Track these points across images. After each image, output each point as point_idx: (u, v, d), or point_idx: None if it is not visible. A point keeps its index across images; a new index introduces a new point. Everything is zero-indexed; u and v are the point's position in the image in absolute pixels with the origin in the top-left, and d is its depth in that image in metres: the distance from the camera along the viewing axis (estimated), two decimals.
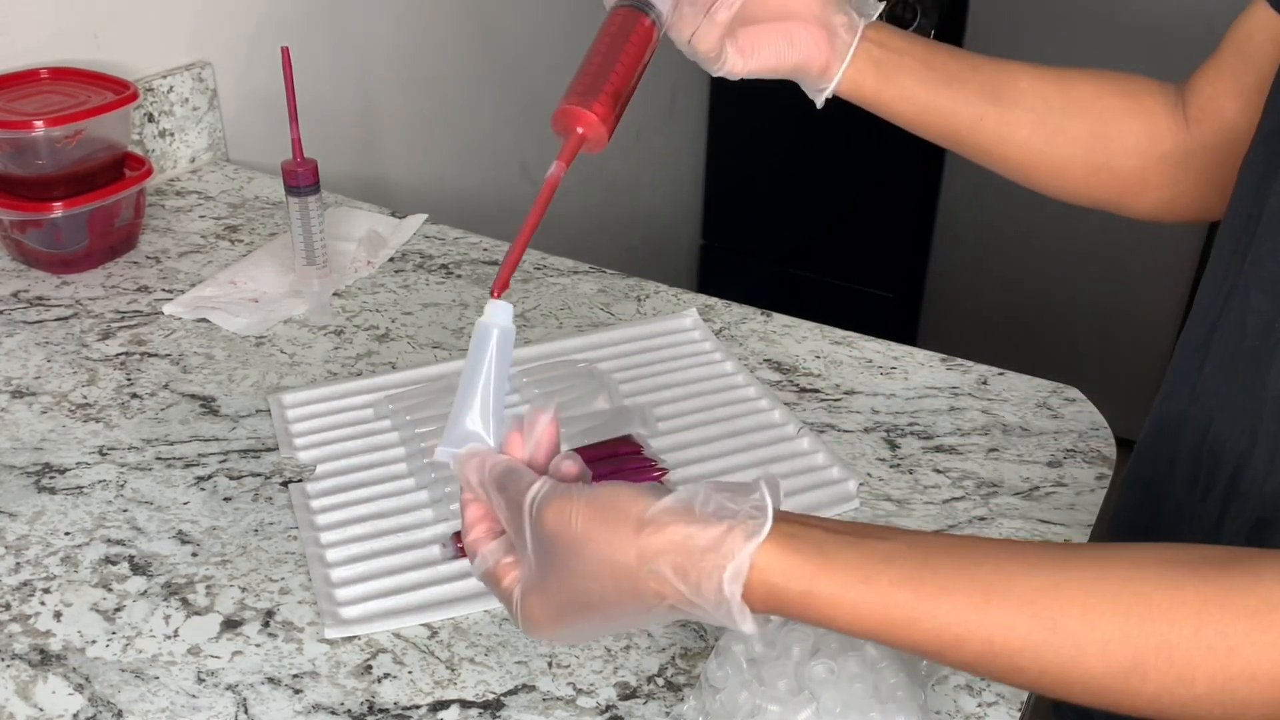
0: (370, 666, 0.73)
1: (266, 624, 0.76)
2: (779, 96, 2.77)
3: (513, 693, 0.71)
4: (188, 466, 0.90)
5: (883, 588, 0.49)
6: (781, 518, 0.51)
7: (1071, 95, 0.80)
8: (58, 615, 0.77)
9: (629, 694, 0.71)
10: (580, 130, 0.65)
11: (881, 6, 0.79)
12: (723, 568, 0.49)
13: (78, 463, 0.90)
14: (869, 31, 0.78)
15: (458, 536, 0.81)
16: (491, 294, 0.60)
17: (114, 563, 0.81)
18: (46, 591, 0.78)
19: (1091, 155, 0.80)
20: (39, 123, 1.10)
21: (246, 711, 0.70)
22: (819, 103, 0.81)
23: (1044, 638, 0.48)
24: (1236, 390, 0.68)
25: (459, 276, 1.19)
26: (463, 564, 0.80)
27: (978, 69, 0.80)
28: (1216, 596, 0.47)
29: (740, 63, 0.76)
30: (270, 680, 0.72)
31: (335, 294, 1.15)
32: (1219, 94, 0.77)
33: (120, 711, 0.69)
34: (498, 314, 0.61)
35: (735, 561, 0.49)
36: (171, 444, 0.93)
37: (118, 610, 0.77)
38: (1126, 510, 0.82)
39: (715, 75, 0.77)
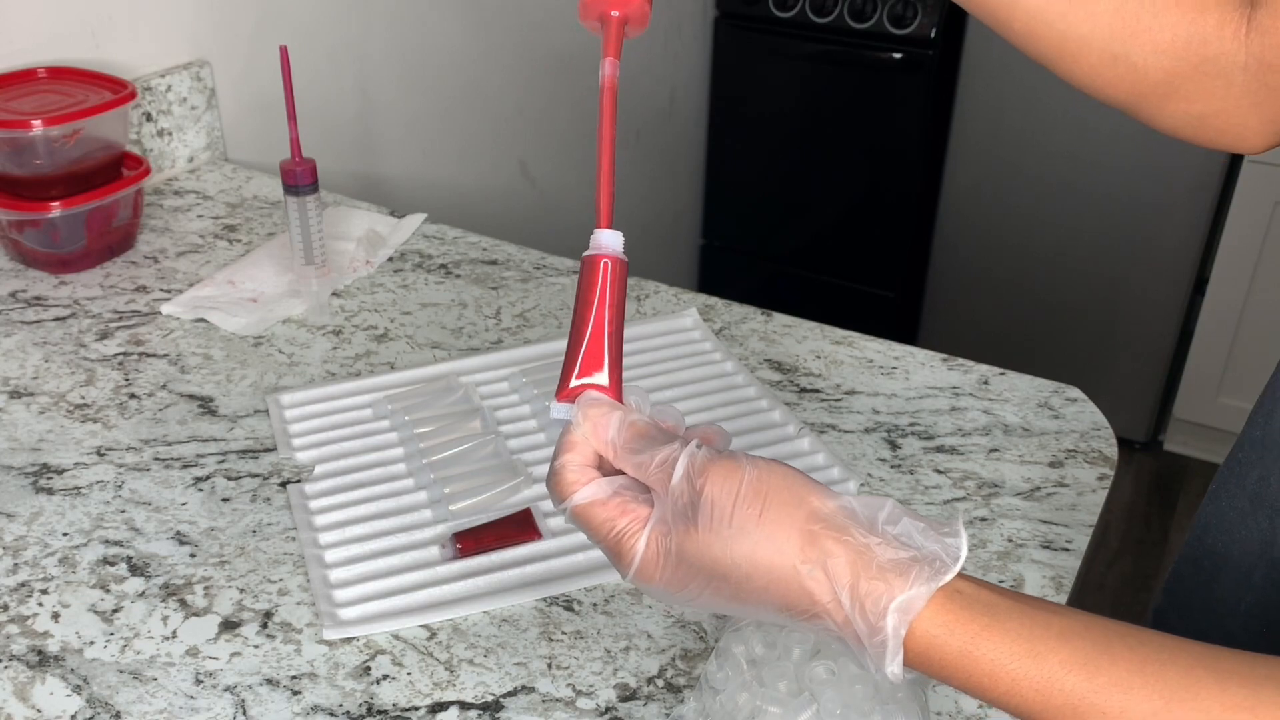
0: (369, 668, 0.73)
1: (265, 625, 0.76)
2: (779, 96, 2.78)
3: (512, 694, 0.71)
4: (186, 467, 0.90)
5: (1051, 667, 0.44)
6: (958, 591, 0.46)
7: None
8: (56, 616, 0.76)
9: (629, 695, 0.71)
10: (616, 13, 0.58)
11: None
12: (893, 596, 0.45)
13: (75, 463, 0.90)
14: None
15: (457, 537, 0.81)
16: (600, 226, 0.55)
17: (112, 563, 0.81)
18: (44, 592, 0.78)
19: (1111, 42, 0.67)
20: (37, 122, 1.10)
21: (245, 713, 0.69)
22: None
23: None
24: None
25: (458, 276, 1.19)
26: (462, 565, 0.80)
27: None
28: None
29: None
30: (269, 681, 0.72)
31: (334, 294, 1.15)
32: None
33: (118, 713, 0.69)
34: (606, 241, 0.54)
35: (909, 594, 0.45)
36: (170, 444, 0.93)
37: (116, 611, 0.77)
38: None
39: None
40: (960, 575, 0.47)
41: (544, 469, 0.89)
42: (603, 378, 0.54)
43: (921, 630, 0.46)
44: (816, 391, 1.00)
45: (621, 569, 0.51)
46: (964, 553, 0.46)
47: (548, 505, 0.85)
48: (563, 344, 1.07)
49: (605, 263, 0.55)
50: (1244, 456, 0.71)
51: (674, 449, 0.50)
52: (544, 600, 0.78)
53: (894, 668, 0.46)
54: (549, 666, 0.73)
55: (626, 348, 1.06)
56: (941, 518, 0.48)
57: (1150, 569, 2.27)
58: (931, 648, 0.46)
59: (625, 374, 1.04)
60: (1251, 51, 0.65)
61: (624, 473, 0.52)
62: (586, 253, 0.54)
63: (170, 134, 1.36)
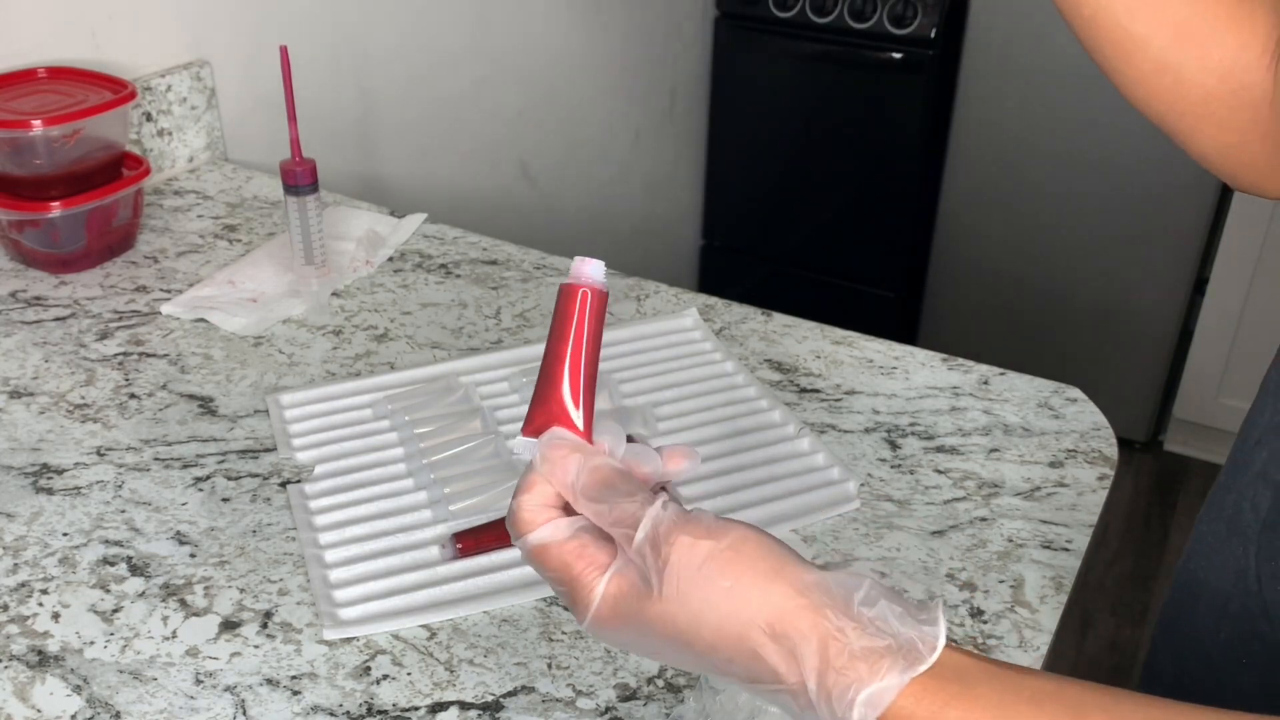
0: (369, 668, 0.73)
1: (265, 625, 0.76)
2: (779, 96, 2.77)
3: (512, 694, 0.71)
4: (186, 467, 0.90)
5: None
6: (947, 671, 0.44)
7: None
8: (56, 616, 0.76)
9: (628, 695, 0.71)
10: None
11: None
12: (862, 688, 0.43)
13: (75, 463, 0.90)
14: None
15: (457, 537, 0.81)
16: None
17: (112, 563, 0.81)
18: (44, 592, 0.78)
19: (1168, 50, 0.66)
20: (37, 122, 1.10)
21: (245, 713, 0.69)
22: None
23: None
24: None
25: (458, 276, 1.19)
26: (462, 565, 0.80)
27: None
28: None
29: None
30: (269, 681, 0.72)
31: (334, 294, 1.15)
32: None
33: (118, 713, 0.69)
34: (586, 271, 0.51)
35: (880, 685, 0.43)
36: (170, 444, 0.93)
37: (116, 611, 0.77)
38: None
39: None
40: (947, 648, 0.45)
41: None
42: (575, 415, 0.51)
43: (891, 713, 0.44)
44: (816, 391, 1.00)
45: (577, 615, 0.49)
46: (942, 643, 0.44)
47: None
48: None
49: (584, 293, 0.51)
50: (1224, 481, 0.70)
51: (637, 505, 0.48)
52: (544, 600, 0.78)
53: None
54: (549, 666, 0.73)
55: (626, 347, 1.07)
56: (921, 600, 0.47)
57: (1150, 569, 2.27)
58: (899, 717, 0.44)
59: (626, 374, 1.04)
60: (1277, 89, 0.65)
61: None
62: (565, 280, 0.52)
63: (170, 134, 1.36)
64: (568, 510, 0.50)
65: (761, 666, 0.45)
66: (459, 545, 0.81)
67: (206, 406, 0.97)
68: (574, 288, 0.51)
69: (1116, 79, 0.70)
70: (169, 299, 1.13)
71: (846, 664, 0.44)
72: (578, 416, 0.51)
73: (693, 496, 0.86)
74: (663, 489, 0.52)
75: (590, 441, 0.52)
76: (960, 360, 1.05)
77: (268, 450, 0.92)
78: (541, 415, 0.52)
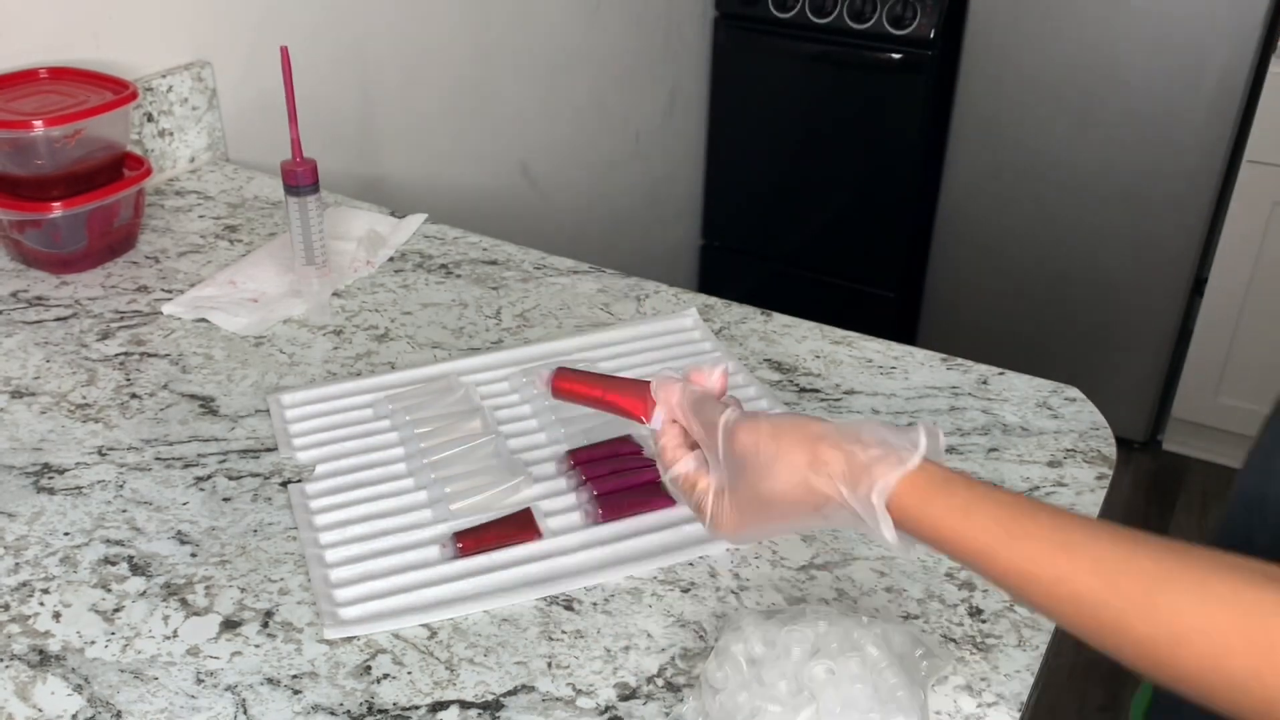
0: (369, 667, 0.73)
1: (266, 624, 0.76)
2: (779, 96, 2.77)
3: (512, 693, 0.71)
4: (187, 467, 0.90)
5: (978, 521, 0.58)
6: (930, 463, 0.60)
7: None
8: (57, 616, 0.76)
9: (629, 695, 0.71)
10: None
11: None
12: (874, 481, 0.60)
13: (77, 463, 0.90)
14: None
15: (458, 536, 0.81)
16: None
17: (113, 563, 0.81)
18: (45, 592, 0.78)
19: None
20: (38, 122, 1.10)
21: (245, 712, 0.70)
22: None
23: (1103, 595, 0.53)
24: None
25: (458, 276, 1.19)
26: (462, 564, 0.80)
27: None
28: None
29: None
30: (269, 681, 0.72)
31: (334, 294, 1.15)
32: None
33: (119, 712, 0.69)
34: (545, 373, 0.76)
35: (884, 480, 0.60)
36: (171, 444, 0.93)
37: (117, 611, 0.77)
38: None
39: None
40: (934, 464, 0.61)
41: (544, 468, 0.89)
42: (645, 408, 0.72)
43: (897, 503, 0.60)
44: (816, 391, 1.01)
45: (702, 521, 0.68)
46: (923, 442, 0.61)
47: (547, 505, 0.86)
48: (563, 344, 1.08)
49: (550, 377, 0.75)
50: (1233, 514, 0.72)
51: (715, 412, 0.67)
52: (544, 599, 0.78)
53: (889, 533, 0.60)
54: (549, 666, 0.73)
55: (626, 347, 1.07)
56: (905, 427, 0.63)
57: None
58: (903, 513, 0.60)
59: (626, 374, 1.04)
60: None
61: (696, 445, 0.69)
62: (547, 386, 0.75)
63: (171, 134, 1.36)
64: (693, 447, 0.70)
65: (816, 494, 0.62)
66: (459, 545, 0.81)
67: (207, 406, 0.98)
68: (545, 375, 0.74)
69: None
70: (170, 299, 1.13)
71: (862, 470, 0.61)
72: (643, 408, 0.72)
73: None
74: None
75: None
76: (959, 360, 1.05)
77: (268, 450, 0.92)
78: (637, 406, 0.72)
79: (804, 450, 0.63)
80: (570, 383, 0.75)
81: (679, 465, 0.69)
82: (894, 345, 1.07)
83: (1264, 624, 0.48)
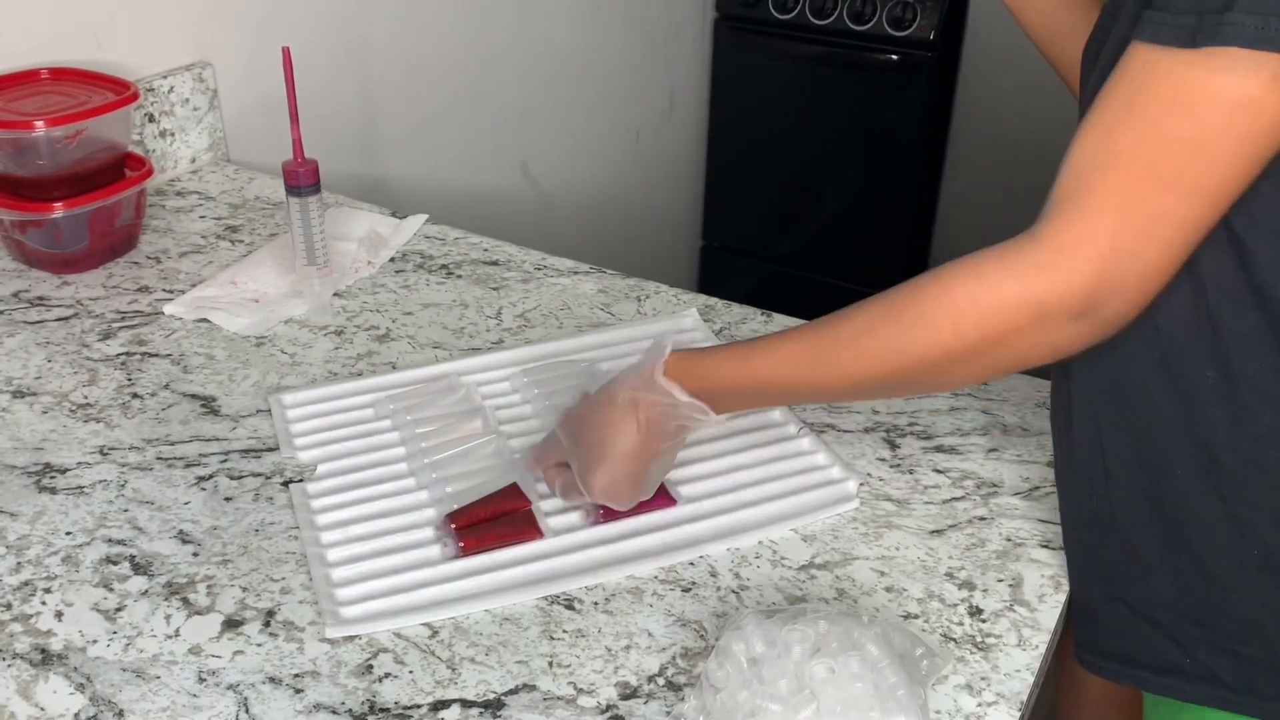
0: (371, 666, 0.73)
1: (267, 624, 0.76)
2: (779, 97, 2.77)
3: (513, 692, 0.71)
4: (189, 466, 0.90)
5: (724, 357, 0.78)
6: (682, 351, 0.79)
7: None
8: (59, 615, 0.77)
9: (629, 693, 0.71)
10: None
11: None
12: (655, 373, 0.78)
13: (79, 463, 0.91)
14: None
15: (459, 535, 0.82)
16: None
17: (115, 562, 0.81)
18: (48, 591, 0.78)
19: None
20: (40, 123, 1.10)
21: (247, 711, 0.70)
22: None
23: (809, 373, 0.74)
24: None
25: (459, 277, 1.19)
26: (464, 564, 0.80)
27: None
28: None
29: None
30: (271, 680, 0.72)
31: (336, 294, 1.15)
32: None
33: (121, 711, 0.70)
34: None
35: (655, 361, 0.79)
36: (172, 444, 0.93)
37: (119, 610, 0.77)
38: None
39: None
40: (687, 350, 0.79)
41: None
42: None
43: (674, 374, 0.78)
44: None
45: (587, 493, 0.82)
46: (667, 345, 0.79)
47: (548, 505, 0.86)
48: (563, 344, 1.08)
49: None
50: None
51: (549, 439, 0.87)
52: (545, 599, 0.78)
53: (681, 395, 0.77)
54: (550, 665, 0.73)
55: (626, 348, 1.08)
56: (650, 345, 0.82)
57: None
58: (682, 377, 0.78)
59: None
60: None
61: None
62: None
63: (172, 135, 1.36)
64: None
65: (630, 416, 0.79)
66: (461, 545, 0.81)
67: (209, 406, 0.98)
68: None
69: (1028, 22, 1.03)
70: (171, 299, 1.13)
71: (647, 373, 0.79)
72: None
73: (694, 495, 0.87)
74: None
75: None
76: None
77: (270, 450, 0.92)
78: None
79: (602, 396, 0.81)
80: (474, 540, 0.82)
81: (557, 485, 0.86)
82: None
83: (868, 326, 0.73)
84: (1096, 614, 0.79)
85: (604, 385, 0.82)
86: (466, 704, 0.70)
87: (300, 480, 0.89)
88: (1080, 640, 0.81)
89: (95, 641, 0.74)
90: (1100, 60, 0.71)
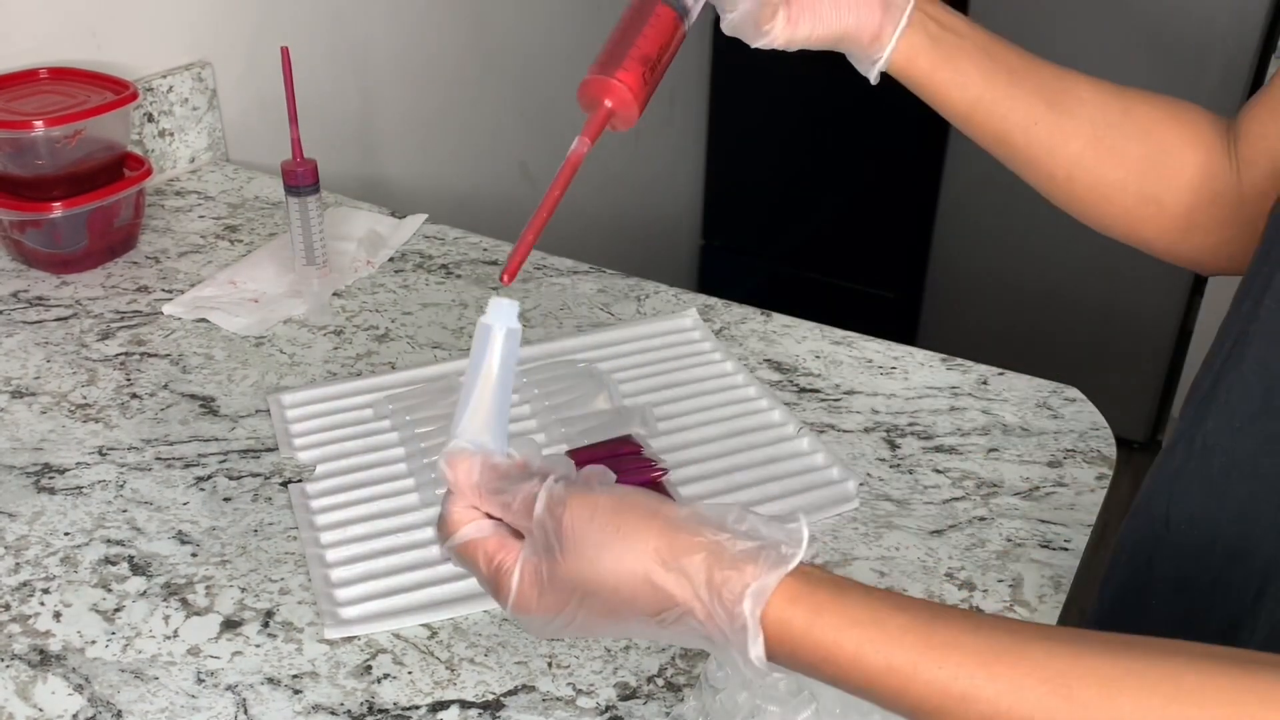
0: (370, 667, 0.73)
1: (266, 624, 0.76)
2: (779, 96, 2.77)
3: (512, 693, 0.71)
4: (187, 467, 0.90)
5: (890, 632, 0.47)
6: (809, 565, 0.50)
7: (1132, 114, 0.74)
8: (57, 615, 0.76)
9: (629, 694, 0.71)
10: (608, 103, 0.61)
11: None
12: (747, 582, 0.48)
13: (77, 463, 0.90)
14: (925, 5, 0.74)
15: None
16: (501, 279, 0.56)
17: (114, 563, 0.81)
18: (46, 592, 0.78)
19: (1144, 184, 0.74)
20: (38, 123, 1.10)
21: (246, 712, 0.70)
22: (873, 78, 0.77)
23: (1056, 706, 0.44)
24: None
25: (459, 276, 1.19)
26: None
27: (1038, 69, 0.76)
28: (1255, 688, 0.42)
29: (788, 31, 0.71)
30: (270, 680, 0.72)
31: (335, 294, 1.15)
32: (1270, 134, 0.70)
33: (120, 712, 0.69)
34: (501, 312, 0.56)
35: (761, 581, 0.48)
36: (171, 444, 0.93)
37: (117, 610, 0.77)
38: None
39: (756, 47, 0.72)
40: (814, 565, 0.50)
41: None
42: (489, 442, 0.56)
43: (774, 614, 0.48)
44: (816, 391, 1.01)
45: (501, 601, 0.54)
46: (805, 536, 0.50)
47: None
48: (563, 344, 1.08)
49: (495, 333, 0.56)
50: (1135, 526, 0.75)
51: (534, 484, 0.53)
52: None
53: (756, 651, 0.48)
54: (549, 665, 0.73)
55: (626, 347, 1.07)
56: (782, 516, 0.52)
57: None
58: (784, 628, 0.48)
59: (626, 374, 1.04)
60: (1245, 181, 0.73)
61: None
62: (481, 319, 0.56)
63: (172, 134, 1.36)
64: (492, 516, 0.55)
65: (661, 595, 0.50)
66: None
67: (208, 406, 0.98)
68: (487, 326, 0.56)
69: (1102, 222, 0.77)
70: (170, 299, 1.13)
71: (729, 567, 0.49)
72: (491, 442, 0.56)
73: (693, 496, 0.87)
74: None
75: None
76: (959, 360, 1.05)
77: (269, 450, 0.92)
78: (456, 434, 0.57)
79: (654, 535, 0.50)
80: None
81: (467, 529, 0.54)
82: (894, 345, 1.07)
83: (1248, 713, 0.42)
84: None
85: (670, 513, 0.51)
86: (465, 705, 0.70)
87: (299, 480, 0.89)
88: None
89: (94, 642, 0.74)
90: None
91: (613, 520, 0.51)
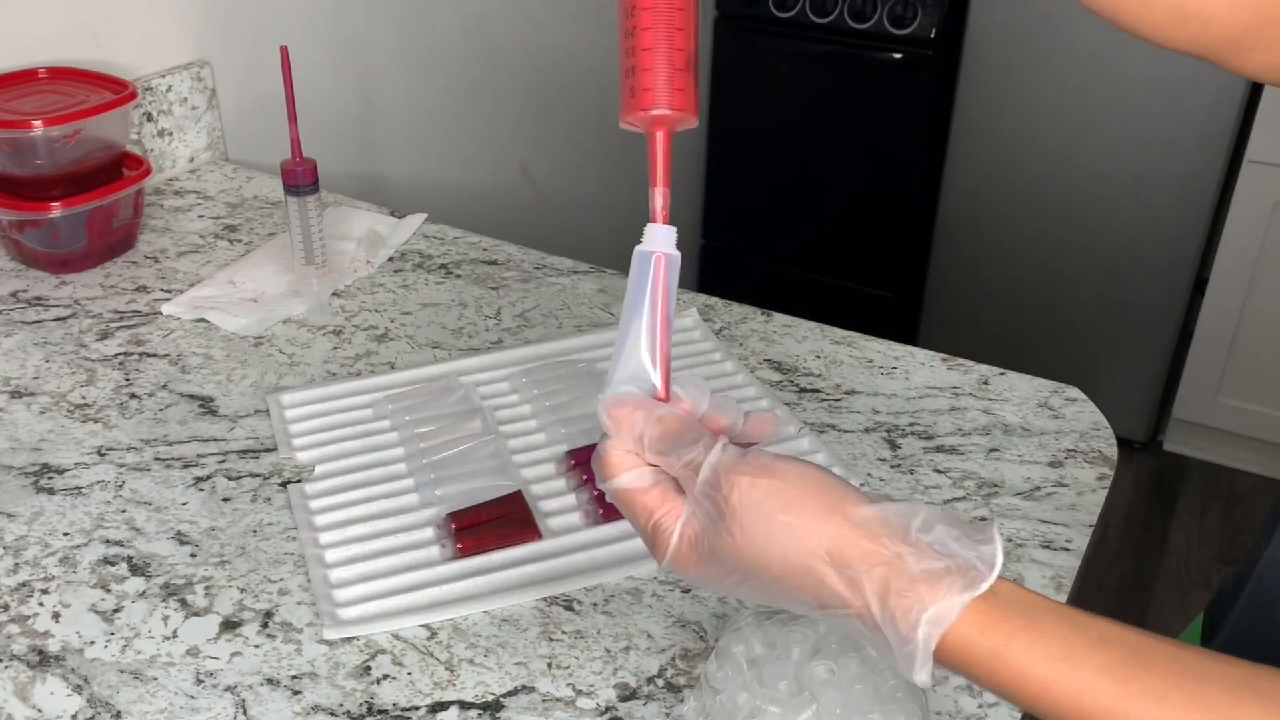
0: (369, 667, 0.73)
1: (265, 625, 0.76)
2: (779, 97, 2.77)
3: (512, 694, 0.71)
4: (186, 467, 0.90)
5: (1085, 672, 0.43)
6: (1001, 580, 0.47)
7: None
8: (56, 616, 0.76)
9: (629, 695, 0.71)
10: (660, 133, 0.61)
11: None
12: (925, 608, 0.45)
13: (76, 463, 0.90)
14: None
15: (458, 536, 0.81)
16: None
17: (112, 563, 0.81)
18: (45, 592, 0.78)
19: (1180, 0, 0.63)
20: (38, 122, 1.10)
21: (245, 712, 0.69)
22: None
23: None
24: None
25: (458, 276, 1.19)
26: (462, 564, 0.80)
27: None
28: None
29: None
30: (269, 681, 0.72)
31: (334, 294, 1.15)
32: None
33: (119, 712, 0.69)
34: (659, 238, 0.54)
35: (942, 606, 0.45)
36: (170, 444, 0.93)
37: (116, 611, 0.77)
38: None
39: None
40: (1002, 580, 0.46)
41: (544, 468, 0.89)
42: (653, 375, 0.54)
43: (954, 631, 0.45)
44: (816, 391, 1.00)
45: (656, 557, 0.52)
46: (999, 560, 0.46)
47: (547, 505, 0.86)
48: (563, 344, 1.07)
49: (658, 258, 0.55)
50: (1264, 588, 0.68)
51: (698, 452, 0.50)
52: (544, 600, 0.78)
53: (923, 676, 0.45)
54: (549, 666, 0.73)
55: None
56: (975, 522, 0.48)
57: (1150, 569, 2.27)
58: (962, 648, 0.45)
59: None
60: None
61: None
62: (640, 247, 0.54)
63: (171, 134, 1.36)
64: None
65: (827, 593, 0.47)
66: (459, 545, 0.81)
67: (207, 406, 0.97)
68: (649, 254, 0.55)
69: (1134, 31, 0.67)
70: (169, 299, 1.13)
71: (908, 586, 0.45)
72: (655, 376, 0.54)
73: None
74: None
75: (667, 398, 0.54)
76: (960, 360, 1.05)
77: (268, 450, 0.92)
78: (615, 379, 0.54)
79: (829, 535, 0.47)
80: (472, 541, 0.77)
81: (627, 477, 0.52)
82: (895, 345, 1.07)
83: None
84: None
85: (851, 511, 0.48)
86: (465, 706, 0.70)
87: (298, 481, 0.89)
88: None
89: (93, 643, 0.74)
90: None
91: (784, 508, 0.48)
